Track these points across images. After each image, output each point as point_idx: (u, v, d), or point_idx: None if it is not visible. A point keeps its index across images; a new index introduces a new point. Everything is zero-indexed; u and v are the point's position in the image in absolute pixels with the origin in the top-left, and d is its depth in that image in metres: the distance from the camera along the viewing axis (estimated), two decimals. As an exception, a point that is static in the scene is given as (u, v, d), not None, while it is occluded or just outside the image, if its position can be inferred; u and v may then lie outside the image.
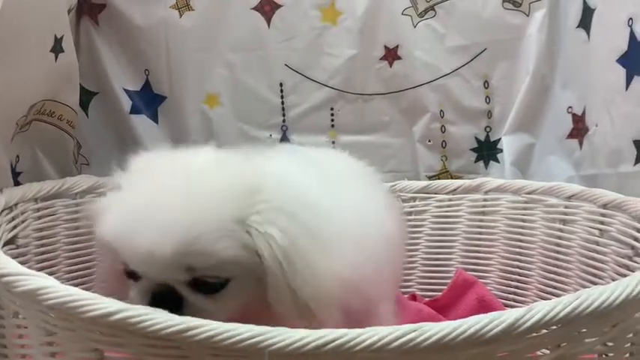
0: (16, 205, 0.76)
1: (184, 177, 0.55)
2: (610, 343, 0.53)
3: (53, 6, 0.85)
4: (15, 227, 0.74)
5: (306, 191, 0.58)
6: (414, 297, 0.97)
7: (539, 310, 0.48)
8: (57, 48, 0.85)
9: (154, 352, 0.48)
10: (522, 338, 0.48)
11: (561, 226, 0.87)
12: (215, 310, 0.54)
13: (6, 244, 0.70)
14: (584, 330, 0.51)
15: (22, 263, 0.69)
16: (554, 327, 0.49)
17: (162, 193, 0.54)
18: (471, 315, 0.87)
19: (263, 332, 0.45)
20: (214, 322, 0.46)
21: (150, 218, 0.52)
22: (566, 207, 0.87)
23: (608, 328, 0.52)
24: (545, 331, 0.49)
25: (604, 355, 0.54)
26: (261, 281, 0.54)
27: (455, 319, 0.87)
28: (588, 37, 0.93)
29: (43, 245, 0.79)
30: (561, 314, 0.48)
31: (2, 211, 0.71)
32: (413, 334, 0.46)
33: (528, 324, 0.48)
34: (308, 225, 0.55)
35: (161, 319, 0.47)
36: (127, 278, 0.57)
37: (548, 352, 0.51)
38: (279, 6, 1.05)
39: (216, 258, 0.52)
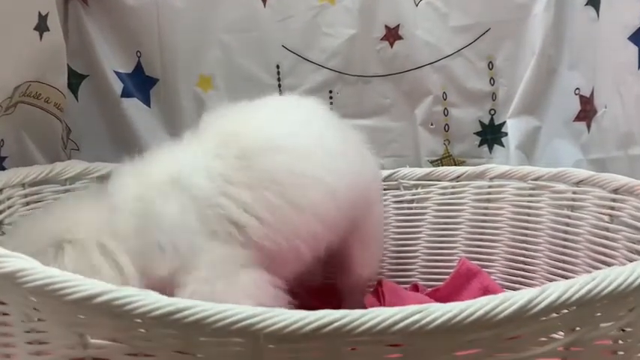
0: (1, 190, 0.73)
1: None
2: (627, 329, 0.51)
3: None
4: (1, 213, 0.72)
5: None
6: (415, 287, 0.94)
7: (553, 290, 0.45)
8: (41, 26, 0.82)
9: (143, 335, 0.45)
10: (535, 321, 0.46)
11: (569, 213, 0.85)
12: None
13: (-9, 229, 0.67)
14: (600, 314, 0.48)
15: (7, 249, 0.68)
16: (569, 309, 0.46)
17: None
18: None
19: (258, 313, 0.43)
20: (206, 303, 0.44)
21: None
22: (574, 193, 0.84)
23: (624, 312, 0.50)
24: (558, 313, 0.46)
25: (620, 342, 0.51)
26: None
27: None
28: (597, 14, 0.89)
29: (30, 230, 0.75)
30: (576, 295, 0.46)
31: (-13, 196, 0.68)
32: (418, 316, 0.43)
33: (542, 305, 0.45)
34: None
35: (149, 300, 0.44)
36: None
37: (562, 336, 0.48)
38: (275, -16, 1.02)
39: None
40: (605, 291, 0.46)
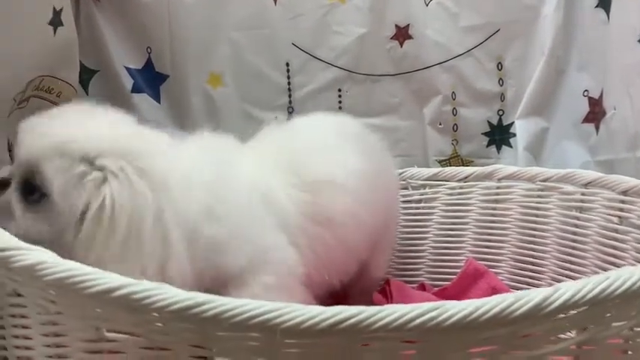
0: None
1: None
2: (637, 328, 0.51)
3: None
4: (13, 207, 0.71)
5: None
6: (422, 286, 0.94)
7: (567, 289, 0.46)
8: (55, 21, 0.83)
9: (160, 329, 0.45)
10: (548, 319, 0.46)
11: (578, 214, 0.85)
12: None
13: None
14: (612, 313, 0.49)
15: (20, 241, 0.68)
16: (582, 308, 0.47)
17: None
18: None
19: (275, 308, 0.43)
20: (224, 297, 0.44)
21: None
22: (582, 194, 0.84)
23: (635, 312, 0.50)
24: (572, 312, 0.47)
25: (630, 342, 0.52)
26: None
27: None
28: (608, 16, 0.90)
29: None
30: (590, 294, 0.46)
31: (-2, 188, 0.68)
32: (434, 313, 0.43)
33: (556, 304, 0.45)
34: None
35: (167, 294, 0.44)
36: None
37: (573, 334, 0.48)
38: (286, -18, 1.02)
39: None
40: (619, 290, 0.46)
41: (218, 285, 0.60)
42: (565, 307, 0.45)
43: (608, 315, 0.49)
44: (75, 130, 0.59)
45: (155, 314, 0.45)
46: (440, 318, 0.43)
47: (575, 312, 0.46)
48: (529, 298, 0.45)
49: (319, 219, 0.67)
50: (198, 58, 1.04)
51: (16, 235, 0.51)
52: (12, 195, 0.60)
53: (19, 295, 0.53)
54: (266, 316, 0.43)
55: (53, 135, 0.59)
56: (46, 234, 0.58)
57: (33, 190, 0.59)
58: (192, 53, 1.04)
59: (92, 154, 0.58)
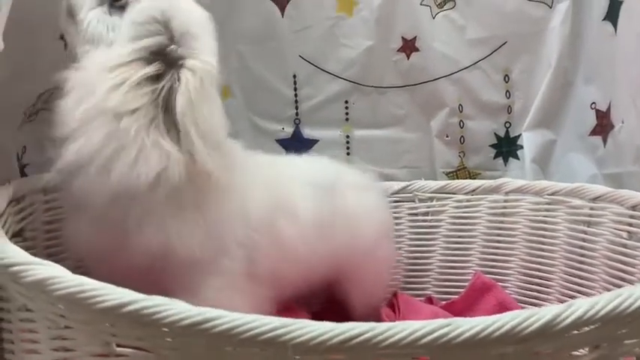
0: (24, 196, 0.74)
1: None
2: (650, 346, 0.50)
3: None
4: (23, 219, 0.72)
5: None
6: (430, 300, 0.94)
7: (579, 306, 0.46)
8: (66, 36, 0.83)
9: (170, 344, 0.45)
10: (561, 336, 0.46)
11: (586, 229, 0.84)
12: None
13: (13, 236, 0.67)
14: (625, 330, 0.48)
15: (30, 255, 0.68)
16: (594, 325, 0.46)
17: None
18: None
19: (286, 324, 0.43)
20: (235, 313, 0.44)
21: None
22: (591, 209, 0.84)
23: (648, 329, 0.50)
24: (584, 329, 0.46)
25: (643, 359, 0.51)
26: None
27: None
28: (615, 30, 0.90)
29: (51, 238, 0.76)
30: (602, 312, 0.46)
31: (10, 202, 0.68)
32: (445, 329, 0.43)
33: (568, 321, 0.45)
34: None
35: (178, 309, 0.44)
36: None
37: (586, 352, 0.48)
38: (293, -5, 1.03)
39: None
40: (631, 308, 0.46)
41: (163, 279, 0.58)
42: (577, 324, 0.45)
43: (621, 332, 0.48)
44: None
45: (165, 329, 0.45)
46: (451, 335, 0.43)
47: (587, 329, 0.46)
48: (541, 315, 0.45)
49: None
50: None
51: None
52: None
53: (28, 309, 0.53)
54: (277, 332, 0.43)
55: None
56: None
57: None
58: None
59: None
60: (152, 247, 0.57)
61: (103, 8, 0.62)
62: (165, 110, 0.56)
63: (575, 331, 0.46)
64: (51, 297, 0.48)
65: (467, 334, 0.43)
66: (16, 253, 0.51)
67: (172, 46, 0.58)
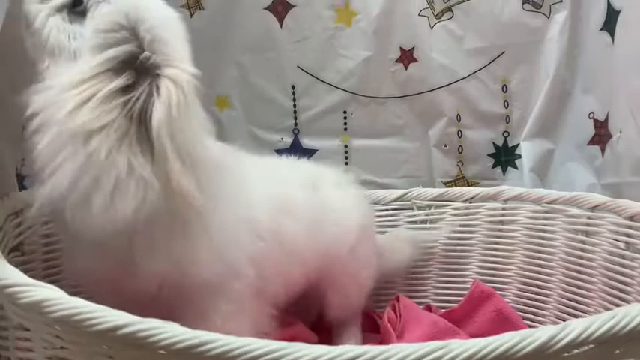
0: (22, 210, 0.73)
1: None
2: (646, 366, 0.51)
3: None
4: (21, 234, 0.72)
5: None
6: (429, 308, 0.94)
7: (574, 327, 0.46)
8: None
9: (165, 368, 0.45)
10: (557, 357, 0.46)
11: (584, 238, 0.84)
12: None
13: (12, 250, 0.67)
14: (621, 350, 0.48)
15: (27, 270, 0.68)
16: (589, 346, 0.46)
17: None
18: (489, 328, 0.86)
19: (282, 347, 0.43)
20: (230, 336, 0.44)
21: None
22: (589, 218, 0.84)
23: (643, 349, 0.50)
24: (579, 350, 0.46)
25: (638, 379, 0.51)
26: None
27: (471, 331, 0.86)
28: (612, 40, 0.90)
29: (49, 252, 0.76)
30: (597, 333, 0.46)
31: (8, 216, 0.68)
32: (440, 352, 0.43)
33: (563, 342, 0.45)
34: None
35: (173, 332, 0.44)
36: None
37: (582, 372, 0.48)
38: (292, 6, 1.03)
39: None
40: (626, 328, 0.46)
41: (173, 304, 0.57)
42: (572, 345, 0.45)
43: (617, 352, 0.48)
44: None
45: (161, 352, 0.45)
46: (446, 357, 0.43)
47: (583, 349, 0.46)
48: (535, 336, 0.45)
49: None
50: (205, 81, 1.04)
51: None
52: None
53: (25, 329, 0.53)
54: (272, 355, 0.43)
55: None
56: None
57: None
58: (198, 76, 1.04)
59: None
60: (160, 274, 0.56)
61: (62, 15, 0.56)
62: (139, 124, 0.51)
63: (571, 352, 0.46)
64: (47, 318, 0.48)
65: (462, 356, 0.43)
66: (13, 274, 0.51)
67: (144, 54, 0.52)
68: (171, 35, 0.55)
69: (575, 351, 0.46)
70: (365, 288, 0.84)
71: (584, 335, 0.45)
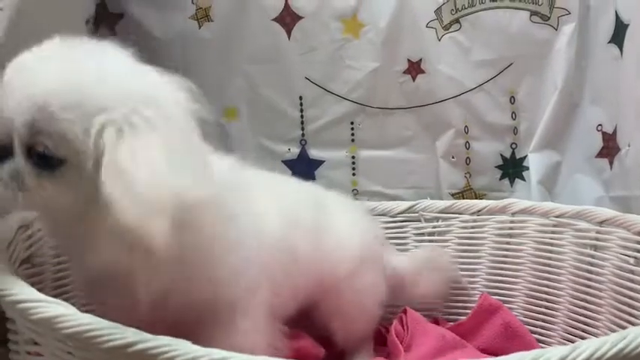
0: (32, 222, 0.74)
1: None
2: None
3: (71, 17, 0.83)
4: (31, 246, 0.72)
5: None
6: (436, 321, 0.94)
7: (585, 348, 0.46)
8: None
9: (176, 386, 0.45)
10: (566, 378, 0.45)
11: (592, 252, 0.83)
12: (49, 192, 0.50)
13: (22, 263, 0.67)
14: (631, 370, 0.48)
15: (37, 283, 0.69)
16: (600, 366, 0.46)
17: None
18: (497, 341, 0.86)
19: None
20: (239, 354, 0.44)
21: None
22: (597, 232, 0.83)
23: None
24: (590, 370, 0.46)
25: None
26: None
27: (479, 345, 0.86)
28: (621, 53, 0.90)
29: (59, 263, 0.76)
30: (609, 354, 0.46)
31: (19, 229, 0.69)
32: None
33: (574, 364, 0.45)
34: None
35: (185, 350, 0.45)
36: None
37: (592, 393, 0.48)
38: (300, 17, 1.03)
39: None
40: (638, 349, 0.46)
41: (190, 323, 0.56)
42: (583, 366, 0.45)
43: (628, 371, 0.48)
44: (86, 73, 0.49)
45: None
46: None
47: (592, 370, 0.46)
48: (546, 357, 0.45)
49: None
50: (213, 92, 1.05)
51: (29, 208, 0.51)
52: (14, 162, 0.50)
53: (36, 343, 0.54)
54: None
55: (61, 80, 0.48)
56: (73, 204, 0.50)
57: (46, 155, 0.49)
58: (207, 87, 1.03)
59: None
60: (181, 305, 0.56)
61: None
62: None
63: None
64: (59, 334, 0.48)
65: (472, 378, 0.43)
66: (25, 290, 0.52)
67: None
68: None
69: (586, 371, 0.46)
70: (369, 315, 0.83)
71: (595, 356, 0.45)
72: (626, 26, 0.89)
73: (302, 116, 1.06)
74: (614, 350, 0.45)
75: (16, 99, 0.48)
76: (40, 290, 0.52)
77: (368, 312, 0.83)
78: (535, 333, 0.88)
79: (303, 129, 1.07)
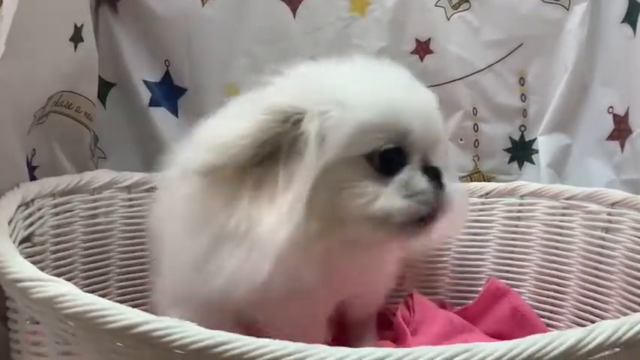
0: (32, 200, 0.73)
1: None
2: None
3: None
4: (32, 224, 0.71)
5: None
6: (443, 305, 0.92)
7: (602, 330, 0.44)
8: (77, 37, 0.82)
9: (181, 368, 0.44)
10: (584, 360, 0.44)
11: (603, 235, 0.82)
12: None
13: (22, 241, 0.66)
14: (649, 353, 0.47)
15: (38, 262, 0.68)
16: (617, 349, 0.45)
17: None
18: (504, 325, 0.84)
19: (302, 349, 0.42)
20: (246, 337, 0.43)
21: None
22: (609, 214, 0.82)
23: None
24: (606, 352, 0.45)
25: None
26: None
27: (486, 329, 0.84)
28: (634, 32, 0.88)
29: (59, 242, 0.76)
30: (627, 335, 0.44)
31: (19, 207, 0.67)
32: (466, 355, 0.42)
33: (591, 346, 0.44)
34: None
35: (190, 332, 0.43)
36: None
37: (609, 376, 0.47)
38: (305, -4, 1.01)
39: None
40: (656, 331, 0.44)
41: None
42: (600, 348, 0.44)
43: (646, 355, 0.47)
44: None
45: (177, 351, 0.44)
46: (472, 360, 0.42)
47: (608, 353, 0.45)
48: (563, 339, 0.43)
49: None
50: (217, 71, 1.03)
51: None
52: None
53: (37, 322, 0.53)
54: (292, 357, 0.42)
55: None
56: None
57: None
58: (211, 66, 1.02)
59: None
60: None
61: None
62: None
63: (599, 354, 0.45)
64: (59, 314, 0.47)
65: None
66: (26, 268, 0.51)
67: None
68: None
69: (602, 354, 0.45)
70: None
71: (612, 338, 0.44)
72: (639, 5, 0.86)
73: (307, 97, 1.04)
74: (633, 331, 0.44)
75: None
76: (41, 269, 0.51)
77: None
78: (543, 317, 0.87)
79: (308, 110, 1.05)
